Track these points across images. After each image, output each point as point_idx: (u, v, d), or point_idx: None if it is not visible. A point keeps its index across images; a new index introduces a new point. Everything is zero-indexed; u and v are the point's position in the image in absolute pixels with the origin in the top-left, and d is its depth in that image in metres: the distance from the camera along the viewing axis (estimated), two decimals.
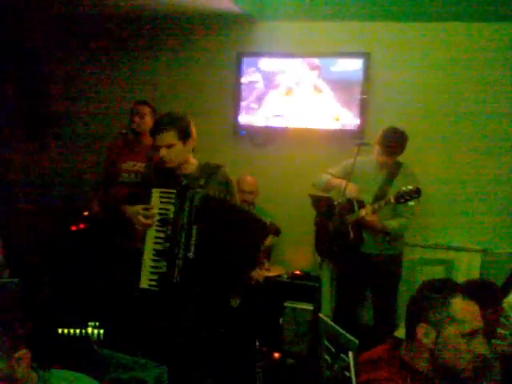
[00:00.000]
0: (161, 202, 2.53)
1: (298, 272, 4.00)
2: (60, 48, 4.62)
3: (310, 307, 3.82)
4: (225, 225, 2.52)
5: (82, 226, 4.22)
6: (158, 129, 2.57)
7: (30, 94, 4.67)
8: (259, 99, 4.21)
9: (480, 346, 1.58)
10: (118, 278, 2.92)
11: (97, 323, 3.62)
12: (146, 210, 2.53)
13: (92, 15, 4.31)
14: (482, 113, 3.82)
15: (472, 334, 1.58)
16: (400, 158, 3.49)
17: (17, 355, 1.50)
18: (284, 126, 4.17)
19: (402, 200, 3.12)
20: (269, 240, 2.73)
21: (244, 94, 4.22)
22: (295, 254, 4.16)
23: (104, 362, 2.10)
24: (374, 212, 3.24)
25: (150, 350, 2.47)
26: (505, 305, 2.39)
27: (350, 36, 4.04)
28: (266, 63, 4.16)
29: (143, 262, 2.49)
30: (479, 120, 3.83)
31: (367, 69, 3.95)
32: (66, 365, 1.84)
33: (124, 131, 3.79)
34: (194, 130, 2.67)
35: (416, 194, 3.10)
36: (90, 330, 3.66)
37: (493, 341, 2.32)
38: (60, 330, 3.54)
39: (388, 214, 3.34)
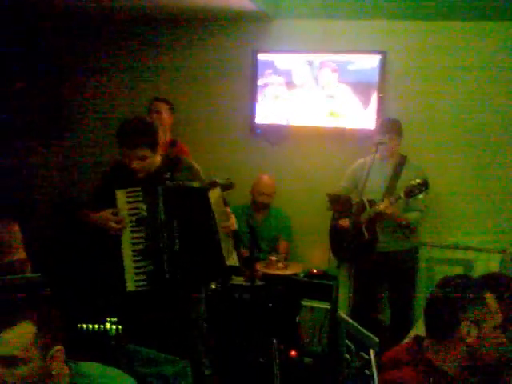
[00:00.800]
0: (128, 202, 2.46)
1: (315, 270, 3.99)
2: (73, 51, 4.65)
3: (327, 306, 3.82)
4: (193, 209, 2.45)
5: None
6: (129, 143, 2.44)
7: (42, 96, 4.71)
8: (275, 98, 4.20)
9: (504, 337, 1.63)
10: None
11: (114, 319, 3.66)
12: (115, 214, 2.45)
13: (107, 16, 4.34)
14: (503, 112, 3.78)
15: (502, 327, 1.62)
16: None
17: (52, 352, 1.51)
18: (300, 125, 4.16)
19: (412, 194, 3.14)
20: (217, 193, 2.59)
21: (260, 92, 4.21)
22: (312, 252, 4.14)
23: (128, 356, 2.09)
24: (391, 204, 3.25)
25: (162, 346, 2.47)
26: None
27: (366, 34, 4.01)
28: (281, 61, 4.15)
29: (125, 266, 2.42)
30: (501, 118, 3.79)
31: (384, 67, 3.93)
32: (90, 359, 1.85)
33: None
34: (160, 134, 2.56)
35: (424, 186, 3.12)
36: (108, 325, 3.70)
37: None
38: (79, 326, 3.59)
39: (400, 208, 3.37)
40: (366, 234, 3.33)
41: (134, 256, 2.42)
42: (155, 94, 4.19)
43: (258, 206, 3.97)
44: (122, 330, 3.42)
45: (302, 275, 3.94)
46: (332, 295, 3.86)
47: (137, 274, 2.41)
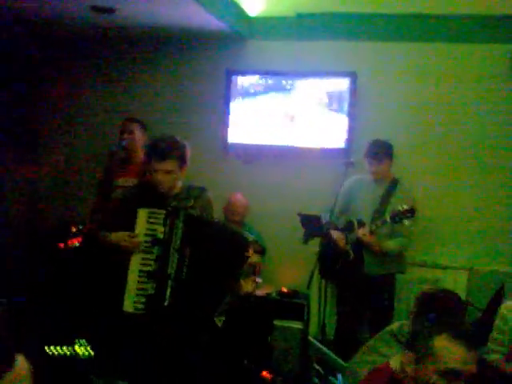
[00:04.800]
0: (148, 222, 2.50)
1: (285, 290, 4.00)
2: (55, 65, 4.63)
3: (299, 326, 3.82)
4: (213, 244, 2.51)
5: (70, 242, 4.19)
6: (160, 155, 2.54)
7: (22, 110, 4.67)
8: (248, 117, 4.23)
9: None
10: (102, 298, 2.86)
11: (84, 341, 3.58)
12: (132, 237, 2.49)
13: (87, 34, 4.34)
14: (470, 131, 3.90)
15: (449, 374, 1.52)
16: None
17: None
18: (272, 144, 4.20)
19: (398, 219, 3.16)
20: (253, 258, 2.72)
21: (233, 111, 4.24)
22: (284, 271, 4.16)
23: None
24: (371, 232, 3.27)
25: (138, 375, 2.44)
26: (503, 309, 2.43)
27: (337, 55, 4.10)
28: (254, 81, 4.20)
29: (127, 284, 2.43)
30: (468, 137, 3.90)
31: (354, 88, 4.00)
32: None
33: (114, 149, 3.78)
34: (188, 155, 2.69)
35: (410, 213, 3.14)
36: (77, 347, 3.63)
37: (489, 345, 2.35)
38: (47, 349, 3.50)
39: (387, 233, 3.38)
40: (351, 253, 3.37)
41: (140, 276, 2.44)
42: (129, 112, 4.21)
43: (231, 224, 3.98)
44: (93, 356, 3.35)
45: (273, 294, 3.95)
46: (304, 315, 3.87)
47: (138, 295, 2.42)
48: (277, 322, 3.81)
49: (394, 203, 3.37)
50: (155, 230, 2.48)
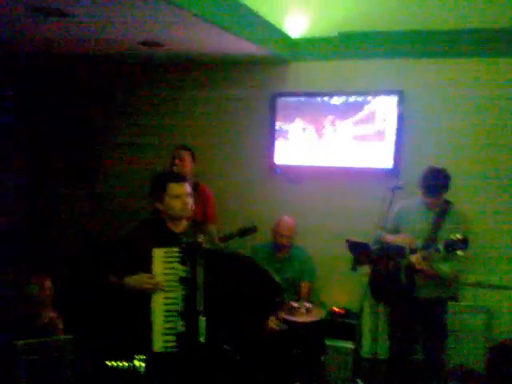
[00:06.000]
0: (165, 261, 2.51)
1: (337, 309, 4.04)
2: (107, 93, 4.87)
3: (350, 345, 3.86)
4: (234, 277, 2.53)
5: None
6: (180, 177, 2.73)
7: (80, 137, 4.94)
8: (294, 138, 4.29)
9: None
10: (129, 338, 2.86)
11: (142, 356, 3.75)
12: (151, 278, 2.51)
13: (137, 63, 4.55)
14: None
15: None
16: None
17: None
18: (319, 165, 4.23)
19: (451, 249, 3.13)
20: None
21: (279, 133, 4.31)
22: (334, 291, 4.20)
23: None
24: (423, 258, 3.26)
25: None
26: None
27: (382, 74, 4.08)
28: (299, 103, 4.24)
29: (154, 324, 2.46)
30: None
31: (401, 106, 3.97)
32: None
33: None
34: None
35: (463, 243, 3.10)
36: (136, 362, 3.81)
37: None
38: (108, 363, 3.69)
39: (440, 259, 3.32)
40: (403, 279, 3.37)
41: (166, 316, 2.47)
42: (179, 136, 4.37)
43: (279, 246, 4.05)
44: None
45: (324, 315, 3.99)
46: (355, 334, 3.91)
47: (166, 334, 2.46)
48: (328, 342, 3.88)
49: (446, 228, 3.33)
50: (173, 268, 2.49)
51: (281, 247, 4.05)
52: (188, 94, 4.60)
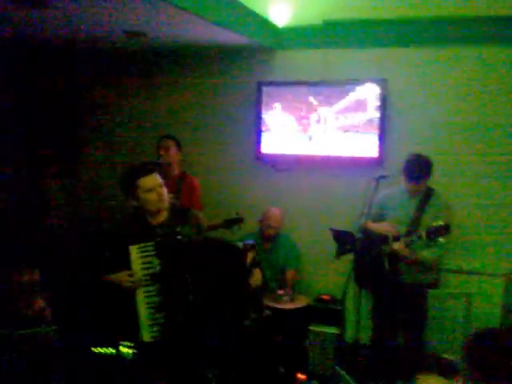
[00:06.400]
0: (141, 257, 2.54)
1: (324, 296, 4.10)
2: (94, 83, 4.86)
3: (335, 331, 3.94)
4: (209, 262, 2.56)
5: None
6: (148, 169, 2.65)
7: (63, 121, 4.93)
8: (280, 127, 4.31)
9: None
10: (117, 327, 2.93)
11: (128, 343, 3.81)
12: (131, 275, 2.54)
13: (120, 53, 4.51)
14: (506, 135, 3.82)
15: None
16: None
17: None
18: (305, 154, 4.26)
19: (433, 236, 3.19)
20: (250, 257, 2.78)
21: (264, 121, 4.32)
22: (320, 278, 4.26)
23: None
24: (406, 245, 3.32)
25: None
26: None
27: (367, 62, 4.08)
28: (285, 91, 4.25)
29: (139, 317, 2.53)
30: (508, 144, 3.82)
31: (385, 95, 3.99)
32: None
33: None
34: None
35: (445, 230, 3.16)
36: (122, 349, 3.87)
37: None
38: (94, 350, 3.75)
39: (421, 245, 3.38)
40: (386, 265, 3.44)
41: (148, 308, 2.53)
42: (162, 126, 4.38)
43: (266, 237, 4.10)
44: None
45: (310, 300, 4.06)
46: (340, 320, 3.98)
47: (151, 325, 2.53)
48: (313, 327, 3.96)
49: (428, 215, 3.39)
50: (150, 262, 2.54)
51: (268, 238, 4.10)
52: (173, 84, 4.59)
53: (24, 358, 2.52)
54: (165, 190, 2.65)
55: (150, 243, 2.55)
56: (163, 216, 2.67)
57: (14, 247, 4.21)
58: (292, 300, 3.71)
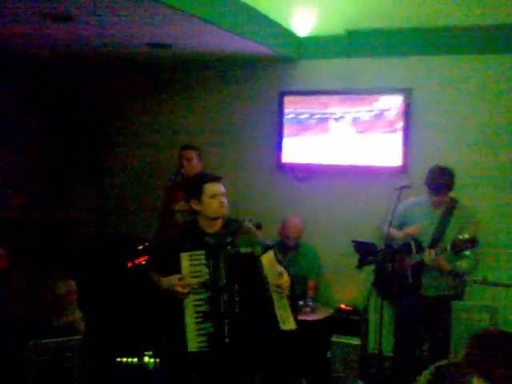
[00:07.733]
0: (191, 264, 2.57)
1: (344, 306, 4.07)
2: (116, 93, 4.93)
3: (356, 341, 3.90)
4: (249, 274, 2.55)
5: (137, 261, 4.43)
6: (215, 177, 2.71)
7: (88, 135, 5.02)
8: (301, 136, 4.30)
9: None
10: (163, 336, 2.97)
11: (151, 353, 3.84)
12: (181, 279, 2.56)
13: (144, 64, 4.60)
14: None
15: None
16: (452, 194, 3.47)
17: None
18: (327, 163, 4.24)
19: (458, 249, 3.14)
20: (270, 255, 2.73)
21: (286, 131, 4.32)
22: (341, 288, 4.23)
23: None
24: (437, 255, 3.26)
25: None
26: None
27: (390, 72, 4.06)
28: (307, 101, 4.25)
29: (187, 326, 2.53)
30: None
31: (408, 105, 3.96)
32: None
33: (172, 177, 3.99)
34: None
35: (471, 244, 3.12)
36: (146, 358, 3.91)
37: None
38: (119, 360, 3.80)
39: (446, 256, 3.33)
40: (410, 277, 3.40)
41: (197, 317, 2.54)
42: (185, 134, 4.45)
43: (287, 247, 4.09)
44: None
45: (331, 311, 4.04)
46: (362, 331, 3.94)
47: (199, 335, 2.52)
48: (335, 339, 3.93)
49: (452, 227, 3.35)
50: (199, 271, 2.56)
51: (289, 247, 4.07)
52: (196, 94, 4.63)
53: (47, 367, 2.55)
54: (225, 200, 2.70)
55: (200, 251, 2.58)
56: (217, 225, 2.71)
57: (48, 258, 4.29)
58: (313, 311, 3.68)
